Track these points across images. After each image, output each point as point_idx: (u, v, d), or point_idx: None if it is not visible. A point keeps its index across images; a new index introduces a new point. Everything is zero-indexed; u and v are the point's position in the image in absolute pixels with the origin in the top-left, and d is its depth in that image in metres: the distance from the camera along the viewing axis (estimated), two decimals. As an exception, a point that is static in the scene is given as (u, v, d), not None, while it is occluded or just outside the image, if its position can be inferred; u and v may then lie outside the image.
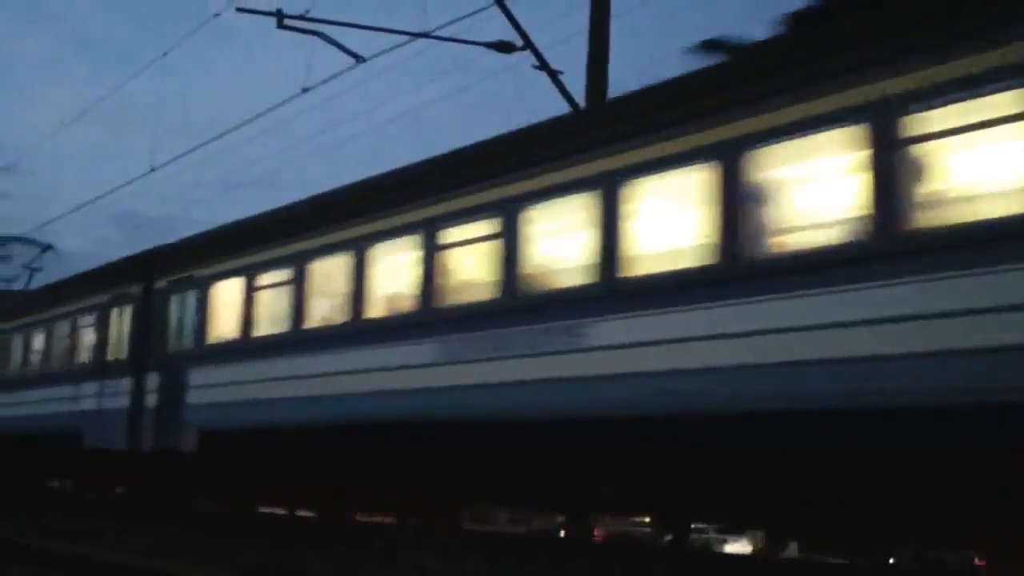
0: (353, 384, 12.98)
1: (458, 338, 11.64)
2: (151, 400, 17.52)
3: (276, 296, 14.89)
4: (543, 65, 16.92)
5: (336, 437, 13.24)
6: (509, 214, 11.29)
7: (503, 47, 17.01)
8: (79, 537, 14.95)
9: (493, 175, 11.63)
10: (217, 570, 11.63)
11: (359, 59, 17.36)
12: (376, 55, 17.29)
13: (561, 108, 16.39)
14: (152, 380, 17.59)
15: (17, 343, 24.01)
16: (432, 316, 12.15)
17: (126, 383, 18.22)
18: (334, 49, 17.32)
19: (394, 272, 13.05)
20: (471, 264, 12.02)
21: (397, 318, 12.76)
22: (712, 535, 24.15)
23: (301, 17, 17.08)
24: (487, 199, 11.62)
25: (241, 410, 15.06)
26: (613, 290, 10.08)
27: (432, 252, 12.34)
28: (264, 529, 14.67)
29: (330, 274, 13.88)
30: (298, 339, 14.21)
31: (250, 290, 15.47)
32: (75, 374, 20.40)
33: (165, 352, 17.38)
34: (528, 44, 16.86)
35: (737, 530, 23.00)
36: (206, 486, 17.71)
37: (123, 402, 18.19)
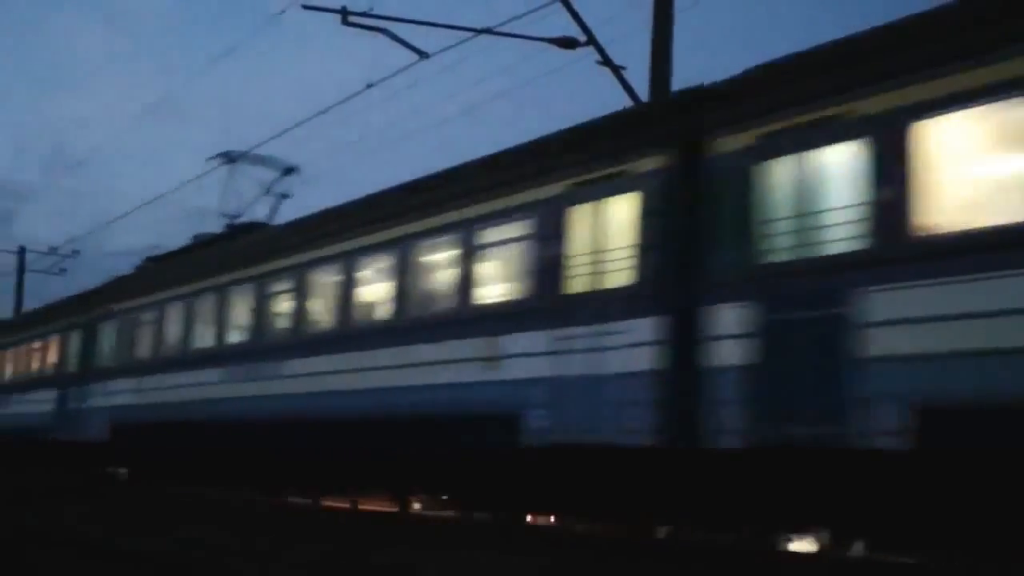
0: None
1: None
2: (729, 355, 9.95)
3: None
4: (606, 60, 16.93)
5: None
6: None
7: (566, 43, 17.02)
8: None
9: None
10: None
11: (423, 55, 17.53)
12: (440, 51, 17.48)
13: (624, 104, 16.35)
14: (722, 318, 10.06)
15: (329, 279, 16.13)
16: None
17: (642, 328, 10.77)
18: (398, 45, 17.54)
19: None
20: None
21: None
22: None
23: (365, 14, 17.30)
24: None
25: None
26: None
27: None
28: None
29: None
30: None
31: None
32: (490, 318, 12.71)
33: (754, 267, 9.87)
34: (591, 40, 16.87)
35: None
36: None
37: (637, 362, 10.76)
